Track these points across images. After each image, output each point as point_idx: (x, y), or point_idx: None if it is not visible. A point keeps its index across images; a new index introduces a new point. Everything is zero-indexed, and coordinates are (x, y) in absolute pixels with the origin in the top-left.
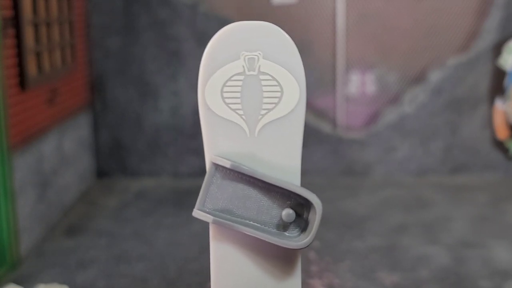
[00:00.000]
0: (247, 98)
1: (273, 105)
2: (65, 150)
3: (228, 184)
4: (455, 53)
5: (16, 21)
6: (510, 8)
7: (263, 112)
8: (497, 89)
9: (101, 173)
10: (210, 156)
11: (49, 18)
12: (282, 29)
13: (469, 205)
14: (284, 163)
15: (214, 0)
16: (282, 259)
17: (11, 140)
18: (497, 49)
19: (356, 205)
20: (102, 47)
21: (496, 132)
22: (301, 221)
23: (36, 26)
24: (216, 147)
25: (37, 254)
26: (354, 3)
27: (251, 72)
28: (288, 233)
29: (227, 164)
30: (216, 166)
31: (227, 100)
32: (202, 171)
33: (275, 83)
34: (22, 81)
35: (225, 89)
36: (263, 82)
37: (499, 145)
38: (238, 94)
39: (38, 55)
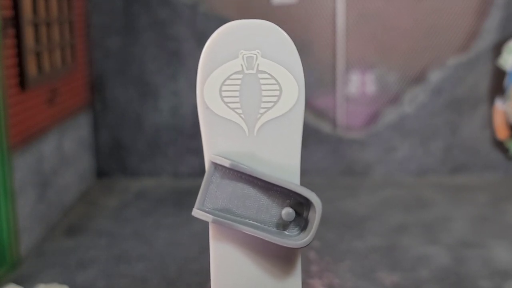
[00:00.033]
0: (246, 97)
1: (272, 103)
2: (65, 150)
3: (228, 183)
4: (455, 53)
5: (16, 21)
6: (510, 8)
7: (262, 111)
8: (497, 89)
9: (101, 173)
10: (209, 155)
11: (49, 18)
12: (282, 29)
13: (469, 205)
14: (283, 162)
15: (214, 0)
16: (282, 258)
17: (11, 140)
18: (497, 49)
19: (356, 205)
20: (102, 47)
21: (496, 132)
22: (301, 220)
23: (36, 26)
24: (215, 146)
25: (37, 254)
26: (354, 3)
27: (250, 71)
28: (288, 232)
29: (226, 163)
30: (215, 165)
31: (226, 99)
32: (202, 171)
33: (273, 81)
34: (22, 81)
35: (224, 88)
36: (262, 81)
37: (499, 145)
38: (236, 93)
39: (38, 55)
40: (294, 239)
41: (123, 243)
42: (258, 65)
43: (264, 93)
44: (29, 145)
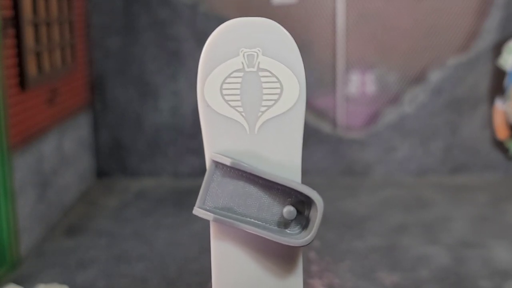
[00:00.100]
0: (247, 95)
1: (273, 101)
2: (65, 150)
3: (229, 181)
4: (455, 53)
5: (16, 21)
6: (510, 8)
7: (263, 109)
8: (497, 89)
9: (101, 173)
10: (210, 153)
11: (49, 18)
12: None
13: (469, 205)
14: (284, 160)
15: (214, 0)
16: (284, 256)
17: (11, 140)
18: (497, 49)
19: (356, 205)
20: (102, 47)
21: (496, 132)
22: (302, 219)
23: (36, 26)
24: (216, 145)
25: (37, 254)
26: (354, 3)
27: (251, 69)
28: (289, 230)
29: (227, 161)
30: (216, 164)
31: (227, 97)
32: (202, 171)
33: (274, 79)
34: (22, 81)
35: (225, 86)
36: (263, 79)
37: (499, 145)
38: (237, 91)
39: (38, 55)
40: (295, 237)
41: (123, 243)
42: (259, 63)
43: (265, 91)
44: (29, 145)
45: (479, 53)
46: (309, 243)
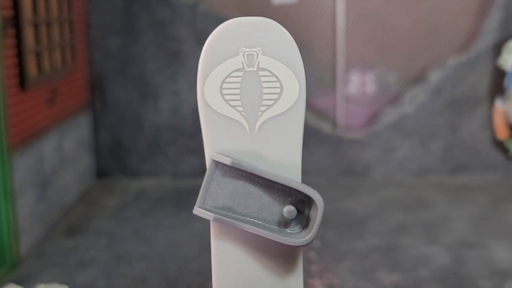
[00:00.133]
0: (247, 94)
1: (273, 101)
2: (65, 150)
3: (229, 181)
4: (455, 53)
5: (16, 21)
6: (510, 8)
7: (263, 108)
8: (497, 89)
9: (101, 173)
10: (210, 153)
11: (49, 18)
12: None
13: (469, 205)
14: (284, 159)
15: (214, 0)
16: (284, 256)
17: (11, 140)
18: (497, 49)
19: (356, 205)
20: (102, 47)
21: (496, 132)
22: (302, 218)
23: (36, 26)
24: (216, 144)
25: (37, 254)
26: (354, 3)
27: (250, 68)
28: (289, 230)
29: (227, 161)
30: (216, 163)
31: (227, 97)
32: (202, 171)
33: (274, 79)
34: (22, 81)
35: (224, 85)
36: (263, 78)
37: (499, 145)
38: (237, 91)
39: (38, 55)
40: (295, 237)
41: (123, 243)
42: (258, 62)
43: (265, 90)
44: (29, 145)
45: (479, 53)
46: (309, 243)
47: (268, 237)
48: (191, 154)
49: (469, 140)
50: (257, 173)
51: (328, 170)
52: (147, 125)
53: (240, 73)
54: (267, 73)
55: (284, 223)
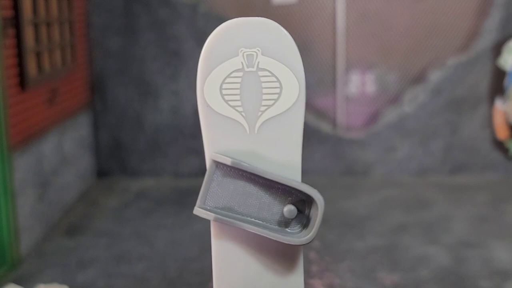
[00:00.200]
0: (247, 94)
1: (273, 101)
2: (65, 150)
3: (229, 181)
4: (455, 53)
5: (16, 21)
6: (510, 8)
7: (263, 108)
8: (497, 89)
9: (101, 173)
10: (210, 153)
11: (49, 18)
12: None
13: (469, 205)
14: (284, 159)
15: (214, 0)
16: (284, 255)
17: (11, 140)
18: (497, 49)
19: (356, 205)
20: (102, 47)
21: (496, 132)
22: (302, 217)
23: (36, 26)
24: (216, 145)
25: (37, 254)
26: (354, 3)
27: (250, 69)
28: (289, 229)
29: (227, 161)
30: (217, 164)
31: (226, 97)
32: (203, 171)
33: (274, 79)
34: (22, 81)
35: (224, 86)
36: (262, 79)
37: (499, 145)
38: (237, 91)
39: (38, 55)
40: (296, 236)
41: (123, 243)
42: (258, 63)
43: (264, 90)
44: (29, 145)
45: (479, 53)
46: (309, 242)
47: (268, 236)
48: (191, 154)
49: (469, 140)
50: (257, 173)
51: (328, 170)
52: (147, 125)
53: (240, 74)
54: (266, 73)
55: (285, 223)
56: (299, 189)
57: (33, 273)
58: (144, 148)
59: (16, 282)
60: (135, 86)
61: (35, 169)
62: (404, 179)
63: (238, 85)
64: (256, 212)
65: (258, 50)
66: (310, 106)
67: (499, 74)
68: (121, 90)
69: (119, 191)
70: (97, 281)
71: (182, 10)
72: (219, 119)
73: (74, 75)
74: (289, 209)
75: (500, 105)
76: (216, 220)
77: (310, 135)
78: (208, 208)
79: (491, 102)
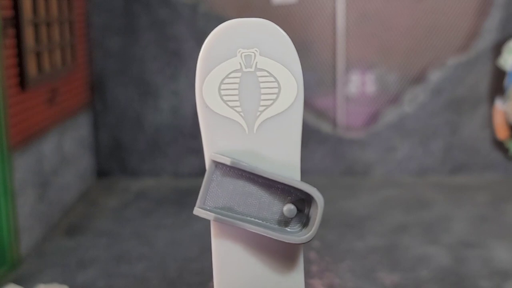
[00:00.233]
0: (245, 95)
1: (271, 101)
2: (65, 150)
3: (229, 181)
4: (455, 53)
5: (16, 21)
6: (510, 8)
7: (261, 108)
8: (497, 89)
9: (101, 173)
10: (209, 154)
11: (49, 18)
12: (282, 29)
13: (469, 205)
14: (283, 158)
15: (214, 0)
16: (285, 254)
17: (11, 140)
18: (497, 49)
19: (356, 205)
20: (102, 47)
21: (496, 132)
22: (302, 216)
23: (36, 26)
24: (215, 145)
25: (37, 254)
26: (354, 3)
27: (248, 69)
28: (289, 229)
29: (227, 161)
30: (216, 164)
31: (225, 98)
32: (202, 171)
33: (272, 79)
34: (22, 81)
35: (223, 86)
36: (261, 79)
37: (499, 145)
38: (235, 92)
39: (38, 55)
40: (296, 235)
41: (123, 243)
42: (256, 63)
43: (263, 90)
44: (29, 145)
45: (479, 53)
46: (310, 240)
47: (269, 235)
48: (191, 154)
49: (469, 140)
50: (256, 173)
51: (328, 170)
52: (147, 125)
53: (238, 74)
54: (265, 73)
55: (285, 222)
56: (299, 187)
57: (33, 273)
58: (144, 148)
59: (16, 282)
60: (135, 86)
61: (35, 169)
62: (404, 179)
63: (236, 86)
64: (256, 211)
65: (256, 51)
66: (310, 106)
67: (499, 74)
68: (121, 90)
69: (119, 191)
70: (97, 281)
71: (182, 10)
72: (218, 119)
73: (74, 75)
74: (288, 208)
75: (500, 105)
76: (216, 220)
77: (310, 135)
78: (208, 208)
79: (491, 102)
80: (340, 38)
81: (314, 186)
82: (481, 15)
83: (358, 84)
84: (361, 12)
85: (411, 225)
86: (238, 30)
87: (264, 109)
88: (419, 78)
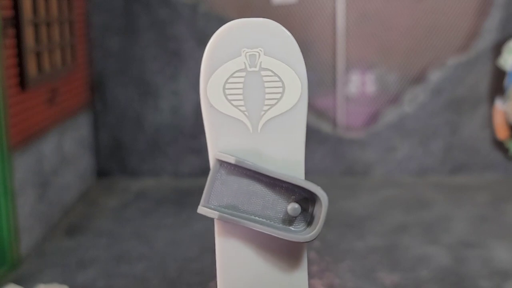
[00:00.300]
0: (249, 94)
1: (275, 100)
2: (65, 150)
3: (233, 180)
4: (455, 53)
5: (16, 21)
6: (510, 8)
7: (266, 108)
8: (497, 89)
9: (101, 173)
10: (213, 153)
11: (49, 18)
12: None
13: (469, 205)
14: (287, 158)
15: (214, 0)
16: (289, 253)
17: (11, 140)
18: (497, 49)
19: (356, 205)
20: (102, 47)
21: (496, 132)
22: (306, 215)
23: (36, 26)
24: (220, 144)
25: (37, 254)
26: (354, 3)
27: (253, 69)
28: (293, 227)
29: (231, 160)
30: (221, 163)
31: (230, 97)
32: (203, 171)
33: (276, 79)
34: (22, 81)
35: (227, 86)
36: (265, 78)
37: (499, 145)
38: (240, 91)
39: (38, 55)
40: (300, 233)
41: (123, 243)
42: (261, 62)
43: (267, 90)
44: (29, 145)
45: (479, 53)
46: (314, 239)
47: (273, 234)
48: (192, 154)
49: (469, 140)
50: (261, 172)
51: (328, 170)
52: (147, 125)
53: (243, 73)
54: (269, 73)
55: (289, 221)
56: (303, 186)
57: (33, 273)
58: (144, 148)
59: (16, 282)
60: (135, 86)
61: (35, 169)
62: (404, 179)
63: (241, 85)
64: (260, 210)
65: (261, 50)
66: (310, 106)
67: (499, 74)
68: (121, 90)
69: (119, 191)
70: (97, 281)
71: (182, 10)
72: (222, 118)
73: (74, 75)
74: (293, 207)
75: (500, 105)
76: (220, 218)
77: (310, 135)
78: (212, 206)
79: (491, 102)
80: (340, 38)
81: None
82: (481, 15)
83: (358, 84)
84: (361, 12)
85: (411, 225)
86: (242, 30)
87: (269, 109)
88: (419, 78)
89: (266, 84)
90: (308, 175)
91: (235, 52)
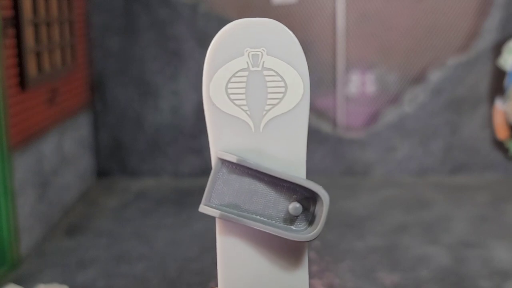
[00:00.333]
0: (252, 94)
1: (278, 100)
2: (65, 150)
3: (235, 179)
4: (455, 53)
5: (16, 21)
6: (510, 8)
7: (268, 107)
8: (497, 89)
9: (101, 173)
10: (215, 152)
11: (49, 18)
12: None
13: (469, 205)
14: (289, 157)
15: (214, 0)
16: (290, 252)
17: (11, 140)
18: (497, 49)
19: (356, 205)
20: (102, 47)
21: (496, 132)
22: (308, 215)
23: (36, 26)
24: (222, 143)
25: (37, 253)
26: (354, 3)
27: (255, 68)
28: (294, 227)
29: (233, 159)
30: (222, 162)
31: (232, 96)
32: (202, 171)
33: (279, 78)
34: (22, 81)
35: (230, 85)
36: (267, 78)
37: (499, 145)
38: (242, 90)
39: (38, 55)
40: (301, 233)
41: (123, 243)
42: (263, 62)
43: (269, 90)
44: (29, 145)
45: (479, 53)
46: (315, 238)
47: (274, 233)
48: (191, 154)
49: (469, 140)
50: (262, 171)
51: (328, 170)
52: (147, 125)
53: (245, 73)
54: (271, 72)
55: (290, 220)
56: (304, 185)
57: (33, 273)
58: (144, 148)
59: (16, 282)
60: (135, 86)
61: (35, 169)
62: (404, 179)
63: (243, 84)
64: (261, 209)
65: (263, 50)
66: (310, 106)
67: (499, 74)
68: (121, 90)
69: (119, 191)
70: (97, 281)
71: (182, 10)
72: (224, 117)
73: (74, 75)
74: (294, 206)
75: (500, 105)
76: (221, 217)
77: (310, 135)
78: (214, 205)
79: (491, 102)
80: (340, 38)
81: None
82: (481, 15)
83: (358, 84)
84: (361, 12)
85: (411, 225)
86: (245, 30)
87: (271, 108)
88: (419, 78)
89: (269, 84)
90: (308, 175)
91: (238, 52)
